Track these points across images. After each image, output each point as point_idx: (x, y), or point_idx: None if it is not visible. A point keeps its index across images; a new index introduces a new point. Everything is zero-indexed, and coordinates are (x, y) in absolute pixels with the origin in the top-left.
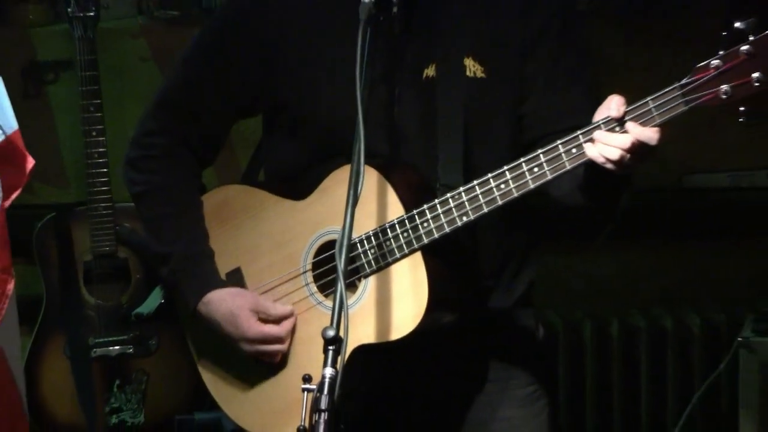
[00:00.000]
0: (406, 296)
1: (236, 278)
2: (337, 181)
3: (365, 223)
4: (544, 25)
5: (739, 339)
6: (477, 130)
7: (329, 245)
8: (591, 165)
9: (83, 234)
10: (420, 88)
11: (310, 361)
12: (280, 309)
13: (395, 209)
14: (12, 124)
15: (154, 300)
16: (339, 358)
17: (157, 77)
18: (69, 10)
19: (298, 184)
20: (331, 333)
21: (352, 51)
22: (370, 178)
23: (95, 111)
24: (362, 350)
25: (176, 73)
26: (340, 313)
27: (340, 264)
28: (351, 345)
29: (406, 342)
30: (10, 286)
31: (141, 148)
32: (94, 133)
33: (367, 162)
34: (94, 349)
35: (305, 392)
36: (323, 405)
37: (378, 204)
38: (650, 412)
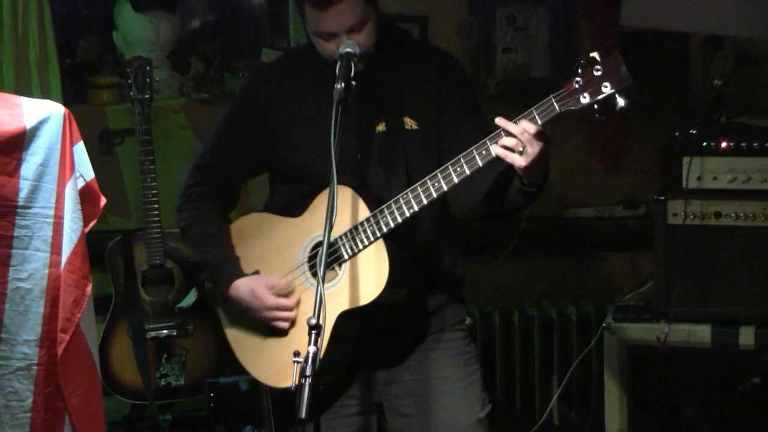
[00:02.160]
0: (373, 273)
1: None
2: (322, 201)
3: (343, 225)
4: (450, 91)
5: (604, 324)
6: (414, 165)
7: (319, 245)
8: (503, 177)
9: (141, 250)
10: (374, 139)
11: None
12: (284, 282)
13: (363, 212)
14: (90, 173)
15: (191, 298)
16: (319, 340)
17: (193, 141)
18: (131, 93)
19: (295, 208)
20: (313, 321)
21: (327, 122)
22: (347, 194)
23: (149, 164)
24: (343, 316)
25: (207, 145)
26: (320, 307)
27: (320, 271)
28: (335, 312)
29: (373, 306)
30: (89, 288)
31: (184, 197)
32: (148, 180)
33: (345, 184)
34: (149, 332)
35: (295, 364)
36: (308, 372)
37: (352, 211)
38: (541, 377)
